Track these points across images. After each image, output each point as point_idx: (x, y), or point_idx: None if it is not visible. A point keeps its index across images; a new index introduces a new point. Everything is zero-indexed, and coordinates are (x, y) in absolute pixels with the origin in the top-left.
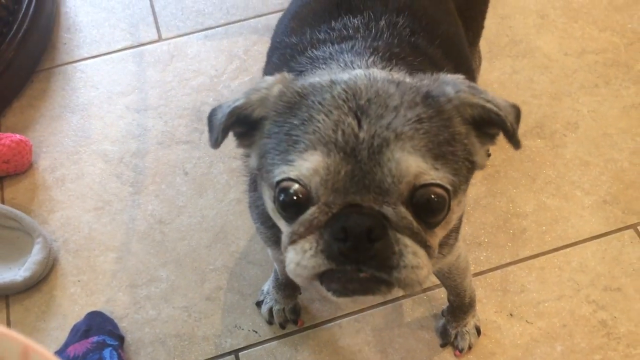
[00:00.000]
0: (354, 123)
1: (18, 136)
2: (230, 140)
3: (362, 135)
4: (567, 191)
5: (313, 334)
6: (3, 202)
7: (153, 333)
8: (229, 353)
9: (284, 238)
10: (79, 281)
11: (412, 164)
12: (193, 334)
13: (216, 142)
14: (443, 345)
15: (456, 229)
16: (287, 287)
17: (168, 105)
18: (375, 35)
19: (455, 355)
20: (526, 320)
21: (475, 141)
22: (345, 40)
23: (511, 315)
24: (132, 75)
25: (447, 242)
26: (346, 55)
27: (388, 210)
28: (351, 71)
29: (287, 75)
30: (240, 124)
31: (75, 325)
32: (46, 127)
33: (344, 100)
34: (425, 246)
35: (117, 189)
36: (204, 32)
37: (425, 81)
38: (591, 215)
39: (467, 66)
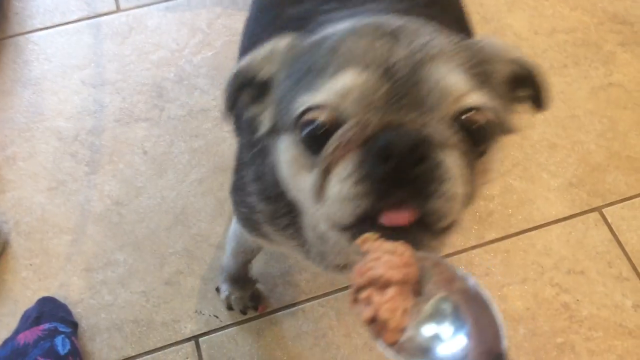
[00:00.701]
0: (390, 42)
1: None
2: (190, 117)
3: (400, 51)
4: (533, 173)
5: (276, 318)
6: None
7: (109, 319)
8: (189, 339)
9: (314, 181)
10: (31, 265)
11: (457, 81)
12: (151, 320)
13: (227, 110)
14: None
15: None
16: (239, 280)
17: (126, 81)
18: (386, 3)
19: None
20: None
21: (507, 103)
22: (354, 6)
23: None
24: (89, 48)
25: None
26: (358, 9)
27: (432, 130)
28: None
29: (294, 35)
30: (248, 86)
31: (26, 312)
32: None
33: (371, 29)
34: (466, 176)
35: (72, 168)
36: (165, 3)
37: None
38: (557, 198)
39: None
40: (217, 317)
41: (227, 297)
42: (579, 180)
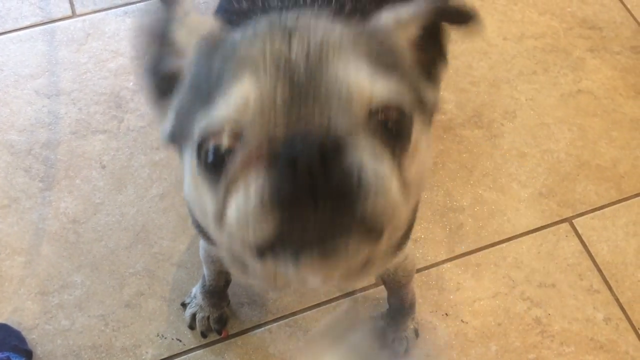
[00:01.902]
0: (284, 43)
1: None
2: (151, 128)
3: (294, 51)
4: (503, 183)
5: (241, 340)
6: None
7: (66, 345)
8: None
9: (216, 204)
10: None
11: (362, 79)
12: (111, 345)
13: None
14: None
15: (410, 226)
16: (213, 295)
17: (83, 90)
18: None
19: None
20: (461, 320)
21: (419, 72)
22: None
23: (446, 314)
24: (42, 56)
25: (398, 241)
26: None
27: (342, 132)
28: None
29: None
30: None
31: None
32: None
33: (270, 24)
34: (393, 175)
35: (26, 184)
36: (123, 8)
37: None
38: (527, 209)
39: None
40: (180, 340)
41: (193, 315)
42: (549, 190)
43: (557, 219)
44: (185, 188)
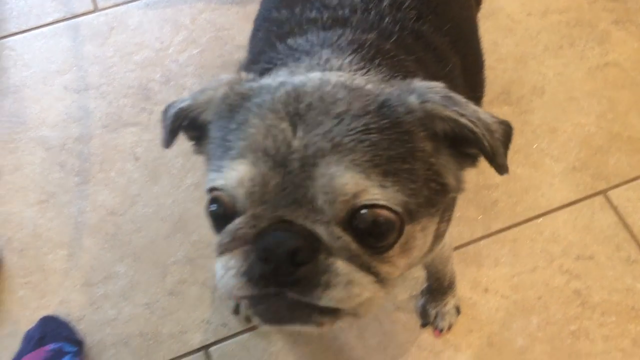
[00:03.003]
0: (289, 129)
1: None
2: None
3: (295, 143)
4: (536, 159)
5: None
6: None
7: (114, 334)
8: (199, 349)
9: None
10: (27, 283)
11: (349, 180)
12: (158, 332)
13: (166, 143)
14: (424, 325)
15: (447, 220)
16: None
17: (111, 84)
18: (372, 20)
19: (434, 335)
20: (501, 295)
21: (449, 160)
22: (335, 27)
23: (486, 290)
24: (68, 51)
25: (439, 234)
26: (325, 51)
27: (320, 230)
28: (309, 74)
29: (243, 76)
30: (192, 128)
31: (28, 333)
32: None
33: (282, 104)
34: (370, 272)
35: (62, 179)
36: (144, 0)
37: (392, 88)
38: (561, 183)
39: (475, 58)
40: (225, 325)
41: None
42: (582, 164)
43: (592, 192)
44: None
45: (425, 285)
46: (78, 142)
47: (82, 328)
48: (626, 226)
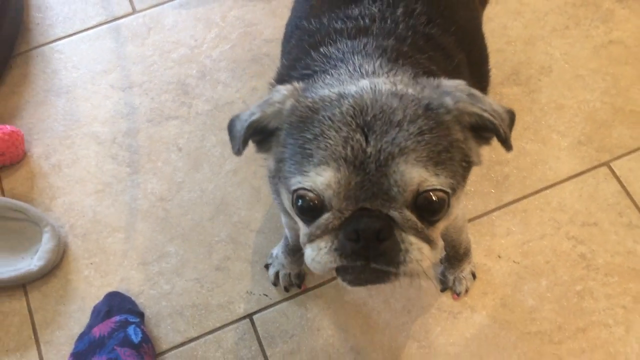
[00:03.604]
0: (362, 139)
1: (9, 127)
2: (217, 111)
3: (369, 150)
4: (544, 135)
5: (320, 292)
6: (3, 194)
7: (170, 306)
8: (244, 317)
9: (302, 236)
10: (91, 264)
11: (415, 174)
12: (208, 303)
13: (239, 152)
14: (443, 290)
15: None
16: (296, 252)
17: (152, 81)
18: (389, 28)
19: (453, 298)
20: (513, 261)
21: (473, 143)
22: (360, 35)
23: (499, 257)
24: (112, 52)
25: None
26: (356, 58)
27: (394, 214)
28: (358, 83)
29: (297, 86)
30: (257, 134)
31: (95, 307)
32: (33, 113)
33: (352, 117)
34: (429, 241)
35: (115, 170)
36: (178, 0)
37: (427, 91)
38: (567, 156)
39: (479, 53)
40: (266, 295)
41: (276, 273)
42: (587, 138)
43: (596, 163)
44: (282, 205)
45: (443, 254)
46: (127, 136)
47: (142, 302)
48: (628, 194)
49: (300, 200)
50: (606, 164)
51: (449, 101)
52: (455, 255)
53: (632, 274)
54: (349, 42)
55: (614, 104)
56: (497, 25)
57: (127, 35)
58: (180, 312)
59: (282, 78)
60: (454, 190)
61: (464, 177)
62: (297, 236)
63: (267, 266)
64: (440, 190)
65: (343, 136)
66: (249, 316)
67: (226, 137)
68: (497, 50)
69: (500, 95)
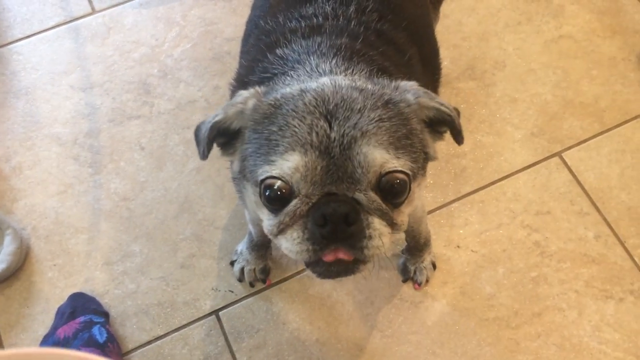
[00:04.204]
0: (326, 125)
1: None
2: (179, 110)
3: (333, 135)
4: (499, 128)
5: (285, 286)
6: None
7: (135, 305)
8: (210, 314)
9: (271, 227)
10: (54, 265)
11: (377, 155)
12: (174, 301)
13: (204, 154)
14: (404, 281)
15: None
16: (260, 247)
17: (113, 81)
18: (342, 25)
19: (414, 288)
20: (471, 250)
21: (428, 137)
22: (313, 34)
23: (458, 247)
24: (71, 53)
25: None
26: (312, 58)
27: (360, 196)
28: (318, 79)
29: (259, 89)
30: (221, 136)
31: (59, 309)
32: None
33: (314, 107)
34: (392, 223)
35: (77, 171)
36: (138, 0)
37: (386, 89)
38: (521, 148)
39: (430, 47)
40: (232, 291)
41: (241, 269)
42: (539, 130)
43: (548, 154)
44: (247, 204)
45: (404, 245)
46: (88, 137)
47: (107, 302)
48: (579, 183)
49: (268, 190)
50: (558, 154)
51: (409, 96)
52: (415, 246)
53: (583, 259)
54: (303, 42)
55: (564, 96)
56: (452, 22)
57: (86, 36)
58: (146, 310)
59: (242, 79)
60: (414, 174)
61: (423, 167)
62: (262, 232)
63: (232, 263)
64: (402, 172)
65: (307, 124)
66: (215, 312)
67: (189, 135)
68: (453, 46)
69: (456, 89)
